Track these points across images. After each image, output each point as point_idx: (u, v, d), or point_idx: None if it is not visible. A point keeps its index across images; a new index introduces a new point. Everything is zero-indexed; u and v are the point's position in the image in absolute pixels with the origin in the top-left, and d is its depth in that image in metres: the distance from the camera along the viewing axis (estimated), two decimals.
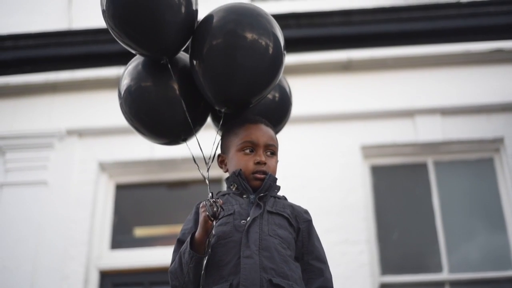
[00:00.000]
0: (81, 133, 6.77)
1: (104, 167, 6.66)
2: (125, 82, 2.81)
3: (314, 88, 6.71)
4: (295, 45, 5.16)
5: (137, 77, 2.77)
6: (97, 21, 6.26)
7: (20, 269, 6.03)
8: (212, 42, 2.59)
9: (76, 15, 7.37)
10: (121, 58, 5.58)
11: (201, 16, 2.75)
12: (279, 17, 5.15)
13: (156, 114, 2.75)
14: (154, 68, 2.76)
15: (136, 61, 2.84)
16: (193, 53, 2.68)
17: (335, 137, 6.56)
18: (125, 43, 2.68)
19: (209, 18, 2.66)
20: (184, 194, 6.79)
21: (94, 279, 6.20)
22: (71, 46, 5.56)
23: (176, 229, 6.50)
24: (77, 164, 6.62)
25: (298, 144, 6.43)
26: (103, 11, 2.63)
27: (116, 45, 5.39)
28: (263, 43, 2.58)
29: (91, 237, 6.33)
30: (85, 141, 6.75)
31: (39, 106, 6.85)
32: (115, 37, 2.69)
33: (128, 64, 2.86)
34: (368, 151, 6.56)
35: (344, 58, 6.75)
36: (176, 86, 2.72)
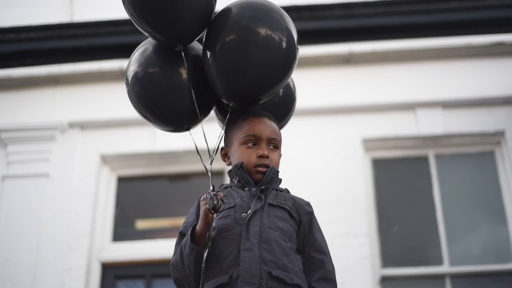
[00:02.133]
0: (83, 126, 6.78)
1: (106, 159, 6.68)
2: (132, 69, 2.81)
3: (315, 81, 6.71)
4: None
5: (145, 64, 2.78)
6: (99, 13, 6.30)
7: (22, 261, 6.04)
8: (226, 35, 2.62)
9: (78, 7, 7.36)
10: (123, 51, 5.60)
11: (217, 9, 2.77)
12: None
13: (163, 101, 2.75)
14: (162, 55, 2.78)
15: (143, 47, 2.85)
16: (207, 44, 2.70)
17: (336, 130, 6.57)
18: (143, 28, 2.69)
19: (225, 11, 2.69)
20: (185, 186, 6.81)
21: (96, 271, 6.22)
22: (73, 39, 5.57)
23: (178, 222, 6.52)
24: (79, 157, 6.63)
25: (299, 137, 6.43)
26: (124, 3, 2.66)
27: (118, 38, 5.46)
28: (277, 38, 2.60)
29: (93, 230, 6.34)
30: (87, 134, 6.76)
31: (41, 99, 6.86)
32: (133, 23, 2.70)
33: (135, 50, 2.86)
34: (369, 144, 6.57)
35: (345, 51, 6.74)
36: (184, 74, 2.74)
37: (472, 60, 6.71)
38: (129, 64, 2.84)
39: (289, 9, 5.27)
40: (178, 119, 2.82)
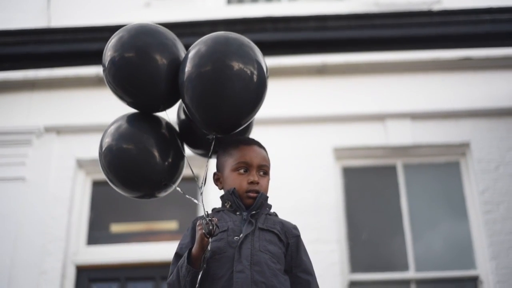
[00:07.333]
0: (59, 130, 6.83)
1: (81, 164, 6.73)
2: (106, 140, 2.93)
3: (288, 91, 6.82)
4: (271, 48, 5.22)
5: (119, 138, 2.90)
6: (77, 19, 6.36)
7: None
8: (199, 71, 2.70)
9: (55, 13, 7.40)
10: (100, 57, 5.64)
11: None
12: (256, 21, 5.30)
13: (137, 169, 2.91)
14: (138, 125, 2.92)
15: (118, 122, 2.96)
16: (182, 80, 2.77)
17: (308, 139, 6.69)
18: (124, 100, 2.88)
19: (196, 46, 2.78)
20: None
21: (71, 275, 6.26)
22: (50, 44, 5.58)
23: (152, 226, 6.61)
24: (55, 161, 6.67)
25: (272, 145, 6.42)
26: (105, 71, 2.85)
27: (96, 44, 5.50)
28: (248, 71, 2.71)
29: (68, 233, 6.39)
30: (63, 138, 6.80)
31: (18, 103, 6.90)
32: (114, 94, 2.89)
33: (110, 124, 2.99)
34: (340, 153, 6.70)
35: (318, 62, 6.87)
36: (160, 140, 2.90)
37: (441, 73, 6.88)
38: (104, 136, 2.96)
39: (264, 20, 5.41)
40: (153, 181, 2.96)
